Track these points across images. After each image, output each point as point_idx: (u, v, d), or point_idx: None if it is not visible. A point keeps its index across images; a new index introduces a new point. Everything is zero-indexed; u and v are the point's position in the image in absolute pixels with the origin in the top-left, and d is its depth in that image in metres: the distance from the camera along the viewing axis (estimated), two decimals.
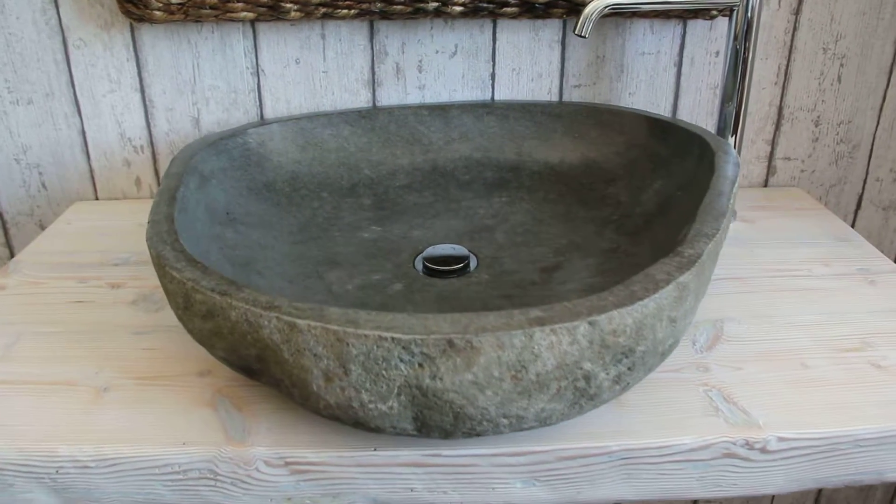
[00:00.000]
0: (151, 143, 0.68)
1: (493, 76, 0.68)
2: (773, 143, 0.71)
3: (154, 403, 0.42)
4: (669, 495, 0.41)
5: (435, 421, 0.34)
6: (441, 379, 0.32)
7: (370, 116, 0.66)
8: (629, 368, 0.35)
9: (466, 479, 0.39)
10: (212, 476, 0.39)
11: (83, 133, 0.67)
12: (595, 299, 0.34)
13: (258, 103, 0.67)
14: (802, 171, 0.72)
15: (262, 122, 0.63)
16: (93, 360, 0.46)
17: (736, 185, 0.48)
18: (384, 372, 0.33)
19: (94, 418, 0.41)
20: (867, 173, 0.73)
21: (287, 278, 0.50)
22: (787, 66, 0.68)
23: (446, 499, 0.40)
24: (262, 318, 0.34)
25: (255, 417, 0.41)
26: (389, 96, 0.68)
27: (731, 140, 0.62)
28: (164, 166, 0.69)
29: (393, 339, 0.32)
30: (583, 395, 0.35)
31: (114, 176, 0.69)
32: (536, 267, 0.53)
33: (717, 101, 0.69)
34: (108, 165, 0.68)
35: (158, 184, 0.70)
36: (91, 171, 0.69)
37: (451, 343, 0.32)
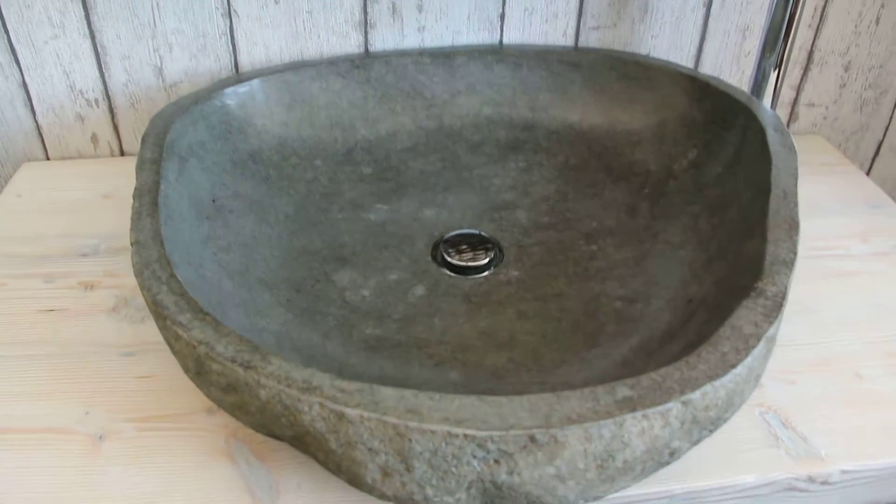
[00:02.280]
0: (108, 96, 0.58)
1: (502, 17, 0.59)
2: (799, 89, 0.66)
3: (161, 455, 0.37)
4: None
5: None
6: (519, 474, 0.28)
7: (364, 66, 0.57)
8: (710, 432, 0.32)
9: None
10: None
11: (24, 86, 0.57)
12: (684, 368, 0.30)
13: (231, 49, 0.58)
14: (825, 117, 0.68)
15: (240, 76, 0.54)
16: (79, 396, 0.40)
17: (798, 179, 0.43)
18: (454, 469, 0.28)
19: (94, 480, 0.36)
20: (890, 120, 0.69)
21: (294, 286, 0.44)
22: (825, 6, 0.61)
23: None
24: (300, 402, 0.29)
25: (283, 470, 0.36)
26: (384, 40, 0.59)
27: (770, 90, 0.56)
28: (123, 120, 0.59)
29: (465, 435, 0.27)
30: (662, 466, 0.31)
31: (66, 133, 0.59)
32: (568, 258, 0.48)
33: (746, 46, 0.63)
34: (58, 122, 0.59)
35: (119, 140, 0.61)
36: (38, 128, 0.59)
37: (532, 439, 0.27)
